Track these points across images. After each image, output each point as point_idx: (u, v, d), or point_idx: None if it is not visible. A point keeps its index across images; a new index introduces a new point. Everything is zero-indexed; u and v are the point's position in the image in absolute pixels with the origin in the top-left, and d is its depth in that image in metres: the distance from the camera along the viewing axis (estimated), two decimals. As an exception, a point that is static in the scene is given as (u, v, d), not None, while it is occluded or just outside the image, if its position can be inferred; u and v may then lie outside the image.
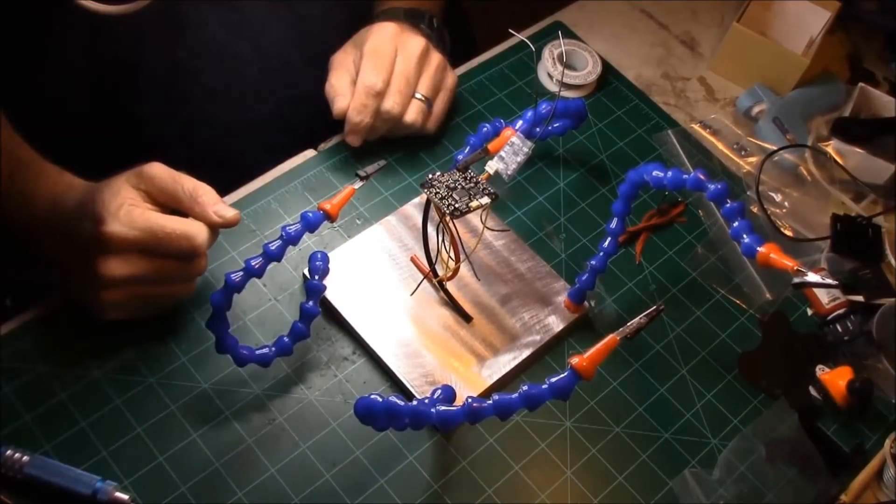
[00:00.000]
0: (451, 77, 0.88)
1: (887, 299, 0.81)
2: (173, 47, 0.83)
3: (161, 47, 0.83)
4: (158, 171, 0.68)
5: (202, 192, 0.69)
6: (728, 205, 0.66)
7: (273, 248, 0.67)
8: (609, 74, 0.99)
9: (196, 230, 0.67)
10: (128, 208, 0.66)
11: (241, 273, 0.66)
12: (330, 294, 0.75)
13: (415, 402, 0.61)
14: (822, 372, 0.78)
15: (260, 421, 0.71)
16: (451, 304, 0.77)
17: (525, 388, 0.58)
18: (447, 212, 0.68)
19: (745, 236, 0.65)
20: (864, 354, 0.80)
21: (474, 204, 0.68)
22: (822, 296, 0.82)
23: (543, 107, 0.82)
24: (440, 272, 0.75)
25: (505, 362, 0.75)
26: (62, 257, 0.69)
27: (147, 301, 0.70)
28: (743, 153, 0.94)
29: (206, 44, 0.84)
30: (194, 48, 0.84)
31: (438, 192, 0.68)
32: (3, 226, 0.71)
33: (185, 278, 0.71)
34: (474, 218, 0.76)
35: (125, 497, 0.64)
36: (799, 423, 0.74)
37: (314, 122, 0.87)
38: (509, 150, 0.76)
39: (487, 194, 0.69)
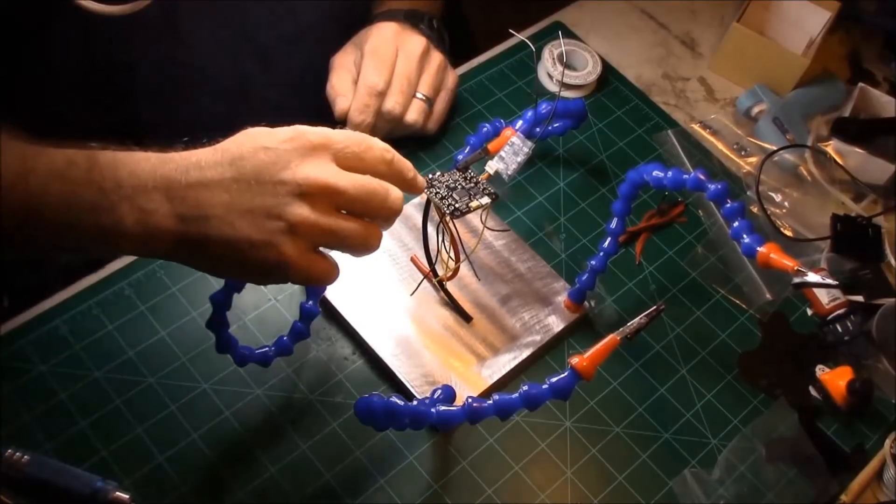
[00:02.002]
0: (451, 77, 0.89)
1: (887, 299, 0.81)
2: (170, 47, 0.83)
3: (158, 48, 0.83)
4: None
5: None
6: (728, 205, 0.66)
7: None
8: (609, 74, 0.99)
9: (381, 143, 0.61)
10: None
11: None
12: (330, 294, 0.75)
13: (415, 403, 0.61)
14: (822, 372, 0.78)
15: (260, 421, 0.71)
16: (451, 304, 0.77)
17: (525, 388, 0.58)
18: (447, 212, 0.68)
19: (745, 236, 0.65)
20: (864, 354, 0.80)
21: (474, 204, 0.68)
22: (822, 296, 0.82)
23: (543, 107, 0.82)
24: (440, 272, 0.75)
25: (505, 362, 0.75)
26: (218, 194, 0.57)
27: (334, 240, 0.59)
28: (743, 153, 0.94)
29: (203, 44, 0.84)
30: (191, 48, 0.84)
31: (438, 192, 0.68)
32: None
33: (380, 211, 0.60)
34: (474, 218, 0.76)
35: (125, 497, 0.64)
36: (799, 423, 0.74)
37: (314, 121, 0.86)
38: (509, 150, 0.76)
39: (487, 194, 0.69)
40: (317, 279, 0.60)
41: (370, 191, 0.58)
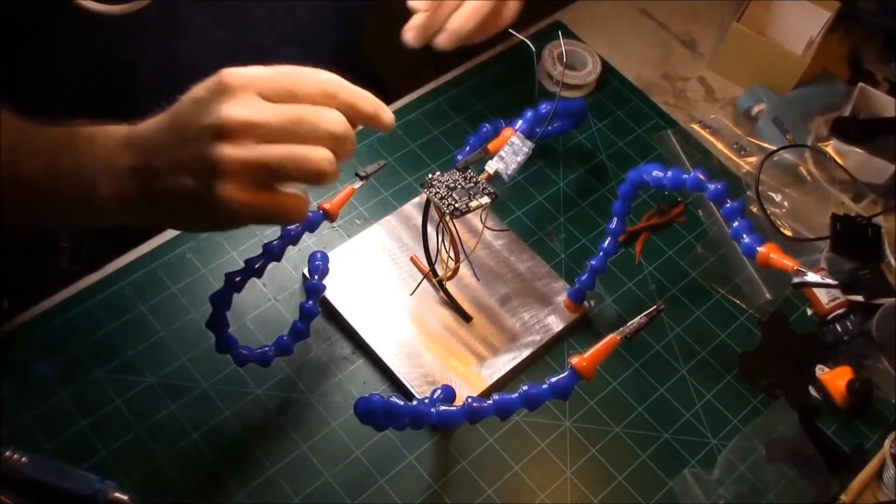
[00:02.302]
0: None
1: (887, 299, 0.81)
2: (169, 47, 0.83)
3: (158, 47, 0.82)
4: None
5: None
6: (728, 205, 0.66)
7: (273, 247, 0.67)
8: (609, 74, 0.99)
9: (325, 73, 0.59)
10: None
11: (242, 273, 0.66)
12: (330, 294, 0.75)
13: (415, 402, 0.61)
14: (821, 372, 0.78)
15: (260, 421, 0.71)
16: (451, 304, 0.77)
17: (525, 387, 0.58)
18: (447, 212, 0.68)
19: (745, 236, 0.65)
20: (863, 354, 0.80)
21: (474, 204, 0.68)
22: (822, 296, 0.82)
23: (543, 107, 0.82)
24: (440, 272, 0.75)
25: (505, 362, 0.75)
26: (165, 155, 0.59)
27: (272, 169, 0.56)
28: (743, 153, 0.94)
29: (203, 44, 0.84)
30: (191, 48, 0.84)
31: (438, 192, 0.68)
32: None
33: (317, 133, 0.57)
34: (474, 218, 0.76)
35: (125, 497, 0.64)
36: (799, 423, 0.74)
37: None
38: (509, 150, 0.76)
39: (487, 194, 0.69)
40: (276, 216, 0.58)
41: (295, 118, 0.56)
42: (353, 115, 0.58)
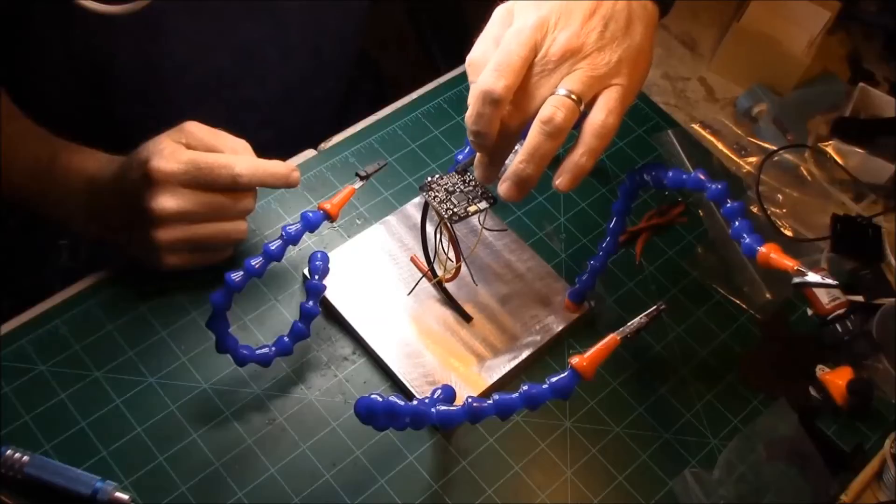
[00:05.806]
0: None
1: (887, 299, 0.81)
2: (148, 46, 0.82)
3: (136, 46, 0.81)
4: (198, 126, 0.72)
5: (242, 147, 0.73)
6: (728, 205, 0.66)
7: (273, 247, 0.67)
8: (609, 74, 0.99)
9: (235, 160, 0.70)
10: (172, 147, 0.70)
11: (241, 273, 0.66)
12: (330, 294, 0.75)
13: (415, 402, 0.61)
14: (822, 372, 0.78)
15: (260, 421, 0.71)
16: (452, 304, 0.77)
17: (525, 387, 0.58)
18: (445, 217, 0.67)
19: (745, 236, 0.65)
20: (864, 354, 0.80)
21: (472, 209, 0.68)
22: (822, 296, 0.82)
23: (543, 107, 0.82)
24: (439, 273, 0.75)
25: (505, 362, 0.75)
26: (116, 215, 0.72)
27: (201, 242, 0.72)
28: (743, 153, 0.94)
29: (182, 42, 0.83)
30: (169, 47, 0.83)
31: (437, 196, 0.68)
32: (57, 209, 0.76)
33: (233, 214, 0.72)
34: (474, 217, 0.76)
35: (125, 497, 0.64)
36: (799, 423, 0.74)
37: (311, 120, 0.85)
38: (509, 151, 0.76)
39: (486, 198, 0.69)
40: (208, 263, 0.75)
41: (216, 206, 0.71)
42: (264, 187, 0.72)
